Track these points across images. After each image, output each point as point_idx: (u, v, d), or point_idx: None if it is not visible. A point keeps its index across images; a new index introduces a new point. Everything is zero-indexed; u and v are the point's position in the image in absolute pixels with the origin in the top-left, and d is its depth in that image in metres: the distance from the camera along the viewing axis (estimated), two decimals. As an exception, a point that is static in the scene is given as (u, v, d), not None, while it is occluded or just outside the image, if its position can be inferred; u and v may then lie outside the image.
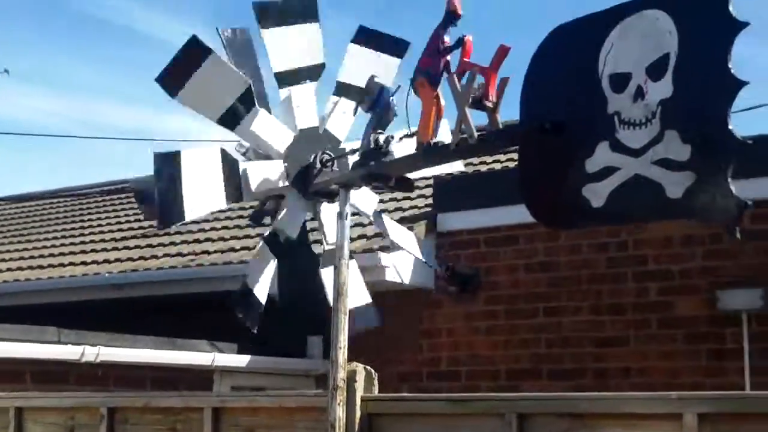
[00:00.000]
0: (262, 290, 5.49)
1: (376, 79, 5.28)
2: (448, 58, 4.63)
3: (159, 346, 8.24)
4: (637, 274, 8.48)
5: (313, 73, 5.78)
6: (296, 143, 5.54)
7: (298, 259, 5.65)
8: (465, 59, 4.56)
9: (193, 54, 5.24)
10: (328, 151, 5.49)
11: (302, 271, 5.63)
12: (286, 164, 5.49)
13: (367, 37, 5.91)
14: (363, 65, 5.77)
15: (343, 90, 5.83)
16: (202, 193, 5.33)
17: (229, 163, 5.40)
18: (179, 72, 5.25)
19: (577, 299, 8.73)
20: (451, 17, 4.64)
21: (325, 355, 8.80)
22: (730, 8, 3.58)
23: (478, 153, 4.95)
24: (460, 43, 4.59)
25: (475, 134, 4.48)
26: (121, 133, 37.39)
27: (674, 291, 8.30)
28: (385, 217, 5.93)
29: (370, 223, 8.57)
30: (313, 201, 5.53)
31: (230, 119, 5.39)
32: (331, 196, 5.36)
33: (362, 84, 5.54)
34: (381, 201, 8.80)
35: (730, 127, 3.54)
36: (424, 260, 6.20)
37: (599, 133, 3.99)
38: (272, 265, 5.56)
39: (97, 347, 7.56)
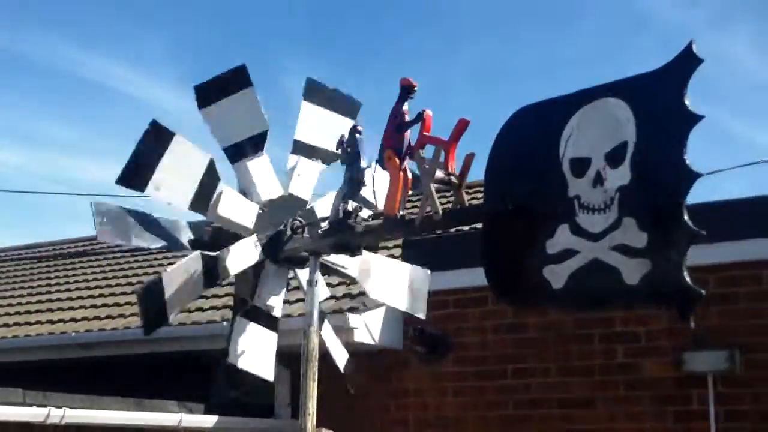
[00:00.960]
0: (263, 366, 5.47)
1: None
2: (409, 132, 4.71)
3: (126, 406, 8.16)
4: (604, 336, 8.53)
5: (259, 142, 5.70)
6: (265, 215, 5.54)
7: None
8: (424, 133, 4.63)
9: (157, 141, 5.16)
10: (299, 218, 5.51)
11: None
12: (257, 239, 5.49)
13: (319, 94, 5.87)
14: (317, 124, 5.79)
15: (300, 149, 5.82)
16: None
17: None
18: (144, 164, 5.15)
19: (544, 361, 8.77)
20: (407, 91, 4.73)
21: (294, 414, 8.78)
22: (687, 102, 3.68)
23: (443, 229, 5.05)
24: (420, 117, 4.67)
25: (440, 211, 4.54)
26: (85, 189, 37.20)
27: (641, 353, 8.35)
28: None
29: (339, 284, 8.64)
30: (285, 268, 5.52)
31: (200, 203, 5.35)
32: (301, 263, 5.38)
33: (318, 143, 5.61)
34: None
35: (685, 218, 3.62)
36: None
37: (560, 215, 4.07)
38: (270, 340, 5.53)
39: (63, 409, 7.46)
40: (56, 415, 7.44)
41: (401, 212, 4.83)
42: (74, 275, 14.24)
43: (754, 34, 22.90)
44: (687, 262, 3.65)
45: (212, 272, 5.40)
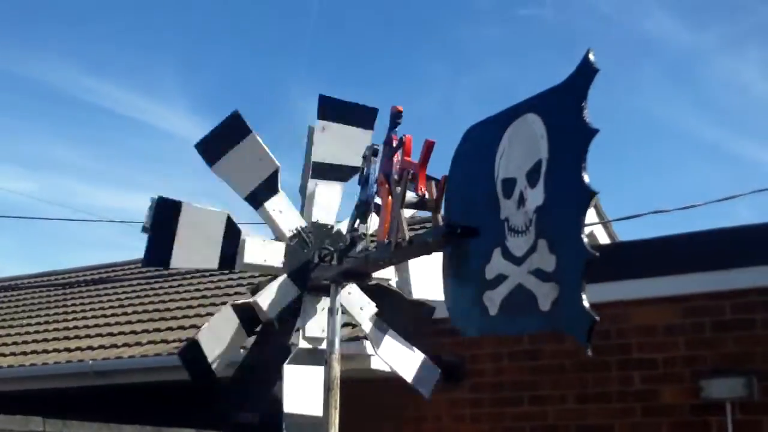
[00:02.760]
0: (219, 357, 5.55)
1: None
2: (398, 157, 4.75)
3: (144, 435, 8.18)
4: (620, 363, 8.51)
5: (346, 173, 5.84)
6: (293, 249, 5.59)
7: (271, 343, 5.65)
8: (405, 158, 4.63)
9: (235, 130, 5.51)
10: (327, 246, 5.54)
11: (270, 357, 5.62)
12: (287, 248, 5.55)
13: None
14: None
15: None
16: (195, 249, 5.40)
17: (232, 230, 5.48)
18: (219, 144, 5.50)
19: (561, 387, 8.75)
20: (394, 117, 4.79)
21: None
22: (585, 113, 3.47)
23: (413, 255, 4.90)
24: (401, 143, 4.69)
25: (407, 236, 4.52)
26: (100, 215, 37.37)
27: (658, 379, 8.33)
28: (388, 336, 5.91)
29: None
30: (302, 292, 5.54)
31: (255, 198, 5.56)
32: (327, 291, 5.40)
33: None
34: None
35: (581, 237, 3.38)
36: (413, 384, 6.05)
37: (494, 239, 3.89)
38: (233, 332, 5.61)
39: (83, 437, 7.49)
40: (75, 443, 7.47)
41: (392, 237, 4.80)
42: (90, 303, 14.29)
43: (764, 58, 22.94)
44: (585, 286, 3.37)
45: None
